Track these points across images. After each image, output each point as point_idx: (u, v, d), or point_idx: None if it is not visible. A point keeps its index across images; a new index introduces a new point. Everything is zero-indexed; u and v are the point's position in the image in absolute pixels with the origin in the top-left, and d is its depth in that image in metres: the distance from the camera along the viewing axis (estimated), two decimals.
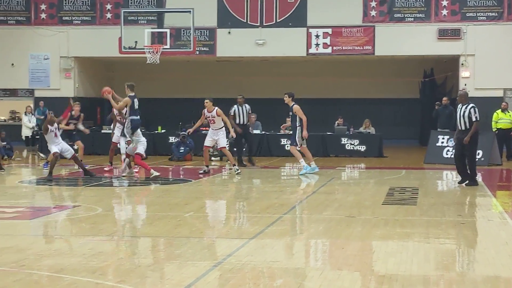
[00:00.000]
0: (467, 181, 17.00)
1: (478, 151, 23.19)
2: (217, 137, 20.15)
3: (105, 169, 20.80)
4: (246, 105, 22.64)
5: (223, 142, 20.31)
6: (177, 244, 10.16)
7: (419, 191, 16.25)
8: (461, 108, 16.88)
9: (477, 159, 22.99)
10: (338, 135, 27.30)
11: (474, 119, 16.67)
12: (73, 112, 21.39)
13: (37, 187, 18.04)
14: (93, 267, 8.57)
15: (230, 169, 20.59)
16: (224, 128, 20.30)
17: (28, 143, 28.45)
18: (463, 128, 16.79)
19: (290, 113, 20.20)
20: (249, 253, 9.56)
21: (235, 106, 22.56)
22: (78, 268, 8.48)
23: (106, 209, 13.76)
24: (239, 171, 19.93)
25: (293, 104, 19.97)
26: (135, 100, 19.21)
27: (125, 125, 19.09)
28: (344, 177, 20.93)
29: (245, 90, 34.00)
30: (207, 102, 20.05)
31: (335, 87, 35.49)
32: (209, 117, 20.11)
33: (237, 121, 22.27)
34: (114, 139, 20.91)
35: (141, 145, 18.74)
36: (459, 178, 17.25)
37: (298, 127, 19.90)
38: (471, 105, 16.83)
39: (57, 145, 18.46)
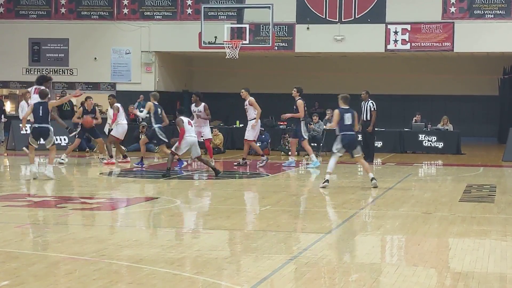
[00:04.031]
0: None
1: None
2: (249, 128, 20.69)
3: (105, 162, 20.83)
4: (369, 100, 22.40)
5: (247, 135, 20.73)
6: (253, 237, 10.28)
7: (497, 189, 16.06)
8: None
9: None
10: (416, 131, 27.12)
11: None
12: (86, 106, 21.27)
13: (118, 179, 18.43)
14: (171, 258, 8.72)
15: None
16: (254, 120, 20.49)
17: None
18: None
19: (295, 107, 20.60)
20: (325, 247, 9.63)
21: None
22: (156, 259, 8.63)
23: (184, 202, 14.00)
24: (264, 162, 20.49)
25: (299, 99, 20.50)
26: (159, 108, 19.91)
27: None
28: (421, 173, 20.80)
29: (323, 86, 34.17)
30: (242, 92, 20.60)
31: (413, 83, 35.20)
32: (245, 106, 20.61)
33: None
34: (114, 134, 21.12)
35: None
36: None
37: (302, 121, 20.41)
38: None
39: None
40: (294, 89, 20.86)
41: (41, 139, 17.04)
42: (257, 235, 10.38)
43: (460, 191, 15.53)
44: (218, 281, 7.75)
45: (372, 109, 22.06)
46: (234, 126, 28.24)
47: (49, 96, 17.56)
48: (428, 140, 26.76)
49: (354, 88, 28.12)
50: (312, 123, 23.26)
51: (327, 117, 27.05)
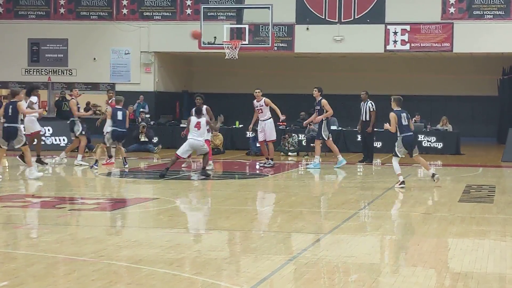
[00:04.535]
0: None
1: None
2: (264, 128, 20.29)
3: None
4: (369, 101, 22.37)
5: (272, 135, 20.43)
6: (253, 238, 10.28)
7: (496, 189, 16.06)
8: None
9: None
10: (415, 132, 27.04)
11: None
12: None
13: (117, 179, 18.41)
14: (170, 258, 8.71)
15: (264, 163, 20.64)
16: (271, 119, 20.38)
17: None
18: None
19: (317, 107, 20.54)
20: (324, 248, 9.62)
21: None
22: (155, 260, 8.62)
23: (183, 202, 13.99)
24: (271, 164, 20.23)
25: (321, 99, 20.42)
26: (118, 112, 19.63)
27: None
28: (421, 174, 20.78)
29: (323, 86, 34.06)
30: (256, 92, 20.32)
31: (412, 84, 35.21)
32: (257, 106, 20.23)
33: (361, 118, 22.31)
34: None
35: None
36: None
37: (324, 121, 20.24)
38: None
39: None
40: (315, 89, 20.77)
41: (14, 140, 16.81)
42: (257, 236, 10.38)
43: (460, 192, 15.53)
44: (218, 282, 7.73)
45: (372, 109, 22.02)
46: (234, 126, 28.24)
47: (21, 95, 17.34)
48: (428, 141, 26.75)
49: (353, 88, 28.18)
50: (312, 124, 23.25)
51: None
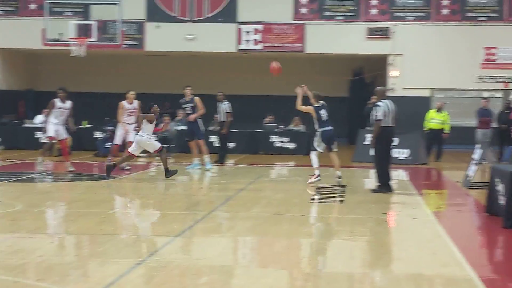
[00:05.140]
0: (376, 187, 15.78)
1: (404, 150, 23.48)
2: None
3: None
4: (225, 102, 22.15)
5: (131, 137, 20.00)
6: (100, 242, 9.95)
7: (346, 189, 16.28)
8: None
9: (403, 158, 23.29)
10: (268, 132, 27.29)
11: (374, 118, 15.44)
12: None
13: None
14: (12, 265, 8.36)
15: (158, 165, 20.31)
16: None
17: None
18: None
19: (190, 105, 20.34)
20: (175, 250, 9.45)
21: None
22: None
23: (26, 205, 13.40)
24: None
25: (193, 97, 20.30)
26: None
27: None
28: (273, 174, 20.90)
29: (175, 86, 33.85)
30: (131, 94, 19.64)
31: (265, 84, 35.43)
32: (130, 109, 19.65)
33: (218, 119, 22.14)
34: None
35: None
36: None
37: (199, 119, 20.23)
38: (378, 102, 15.53)
39: None
40: (188, 88, 20.56)
41: None
42: (104, 239, 10.04)
43: (311, 192, 15.63)
44: None
45: (227, 110, 21.89)
46: (81, 126, 27.57)
47: None
48: (280, 141, 26.97)
49: (206, 88, 28.07)
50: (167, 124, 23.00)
51: (179, 117, 26.81)
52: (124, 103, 19.51)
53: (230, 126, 22.03)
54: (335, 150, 16.88)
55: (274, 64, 17.48)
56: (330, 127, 16.72)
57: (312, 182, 16.66)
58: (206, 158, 20.11)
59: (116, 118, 19.78)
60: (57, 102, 18.82)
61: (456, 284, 8.01)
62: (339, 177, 16.76)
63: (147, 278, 8.01)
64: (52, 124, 18.73)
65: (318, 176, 16.71)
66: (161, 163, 17.81)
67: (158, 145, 17.66)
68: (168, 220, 12.05)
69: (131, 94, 19.60)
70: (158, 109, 17.92)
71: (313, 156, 16.81)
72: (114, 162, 17.83)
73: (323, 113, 16.68)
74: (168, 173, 17.36)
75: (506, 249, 10.42)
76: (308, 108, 16.69)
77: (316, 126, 16.65)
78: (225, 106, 21.86)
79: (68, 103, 18.91)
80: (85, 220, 11.62)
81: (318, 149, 16.70)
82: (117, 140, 19.63)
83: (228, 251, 9.88)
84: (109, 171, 17.38)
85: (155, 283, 7.77)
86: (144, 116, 17.59)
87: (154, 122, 17.64)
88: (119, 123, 19.51)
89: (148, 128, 17.46)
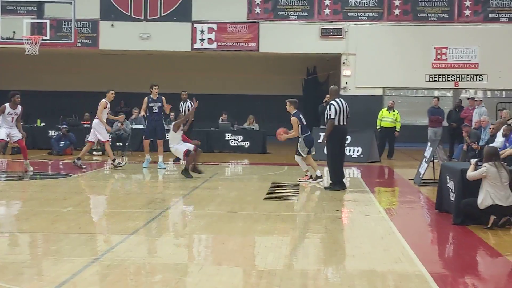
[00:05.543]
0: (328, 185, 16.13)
1: (357, 148, 23.70)
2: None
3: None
4: (189, 101, 22.21)
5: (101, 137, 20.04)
6: (54, 240, 9.92)
7: (300, 187, 16.40)
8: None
9: (356, 156, 23.51)
10: (222, 130, 27.33)
11: (327, 116, 15.83)
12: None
13: None
14: None
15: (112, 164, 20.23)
16: (97, 120, 19.85)
17: None
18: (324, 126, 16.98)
19: (159, 105, 20.46)
20: (129, 248, 9.43)
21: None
22: None
23: None
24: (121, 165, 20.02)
25: (160, 96, 20.44)
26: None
27: None
28: (228, 172, 20.95)
29: (130, 85, 33.76)
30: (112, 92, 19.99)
31: (220, 82, 35.54)
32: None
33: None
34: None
35: None
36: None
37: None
38: (331, 101, 15.95)
39: None
40: (156, 87, 20.63)
41: None
42: (58, 238, 10.01)
43: (265, 190, 15.73)
44: (15, 287, 7.44)
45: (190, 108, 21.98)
46: (35, 125, 27.37)
47: None
48: (235, 139, 27.04)
49: (161, 87, 27.91)
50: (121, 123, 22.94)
51: (133, 116, 26.73)
52: (105, 101, 19.76)
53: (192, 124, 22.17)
54: (313, 153, 17.17)
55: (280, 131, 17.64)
56: (309, 132, 17.13)
57: (315, 182, 16.85)
58: (160, 158, 20.15)
59: (96, 115, 19.85)
60: (8, 107, 18.30)
61: (408, 279, 8.14)
62: (320, 177, 17.03)
63: (101, 276, 8.02)
64: (3, 128, 18.39)
65: (320, 177, 16.96)
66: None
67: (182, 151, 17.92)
68: (123, 218, 12.04)
69: (111, 93, 20.02)
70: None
71: (299, 160, 17.05)
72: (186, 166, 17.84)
73: (303, 119, 16.99)
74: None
75: (456, 246, 10.62)
76: (294, 120, 16.88)
77: (299, 133, 16.82)
78: (188, 105, 22.06)
79: (19, 109, 18.46)
80: (39, 219, 11.57)
81: (303, 154, 16.89)
82: (104, 137, 19.84)
83: (183, 249, 9.90)
84: (187, 174, 17.63)
85: (109, 281, 7.78)
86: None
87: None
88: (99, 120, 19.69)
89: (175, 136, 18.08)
